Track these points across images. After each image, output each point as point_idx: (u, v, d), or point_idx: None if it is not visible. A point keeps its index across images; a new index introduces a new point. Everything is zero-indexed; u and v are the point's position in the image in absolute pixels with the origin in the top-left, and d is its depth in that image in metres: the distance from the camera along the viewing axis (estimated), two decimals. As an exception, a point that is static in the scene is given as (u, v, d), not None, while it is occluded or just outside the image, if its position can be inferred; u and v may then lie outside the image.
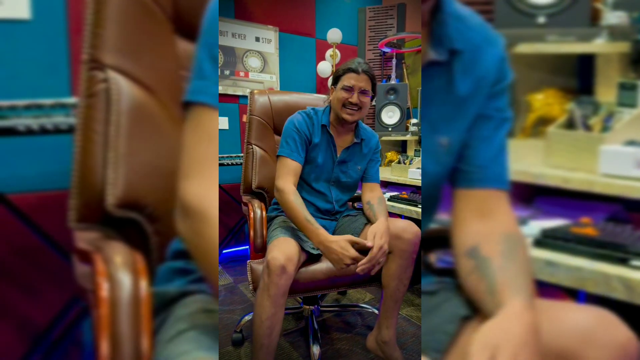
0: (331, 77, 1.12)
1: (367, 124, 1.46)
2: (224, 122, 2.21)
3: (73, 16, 1.12)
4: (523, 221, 0.90)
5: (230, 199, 2.15)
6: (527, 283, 0.46)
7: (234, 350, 1.26)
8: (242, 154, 1.41)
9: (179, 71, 0.66)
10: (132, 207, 0.54)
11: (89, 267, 0.46)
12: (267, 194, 1.34)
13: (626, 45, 0.98)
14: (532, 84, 1.10)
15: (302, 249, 0.99)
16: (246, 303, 1.65)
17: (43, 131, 0.87)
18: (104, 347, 0.37)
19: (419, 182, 1.67)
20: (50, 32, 1.09)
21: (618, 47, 0.99)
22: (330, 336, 1.36)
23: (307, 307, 1.34)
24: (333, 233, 1.15)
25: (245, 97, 2.25)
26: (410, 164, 1.87)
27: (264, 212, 1.12)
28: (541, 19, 1.05)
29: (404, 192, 1.66)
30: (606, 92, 1.01)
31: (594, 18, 1.06)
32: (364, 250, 0.92)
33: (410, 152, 2.16)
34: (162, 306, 0.51)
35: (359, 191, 1.25)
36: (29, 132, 0.86)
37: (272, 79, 2.34)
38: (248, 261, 1.03)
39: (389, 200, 1.63)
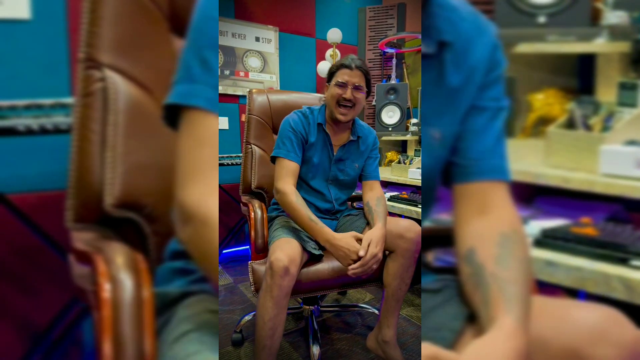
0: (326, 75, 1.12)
1: (367, 123, 1.46)
2: (224, 122, 2.21)
3: (73, 16, 1.12)
4: (523, 221, 0.90)
5: (230, 199, 2.15)
6: (522, 293, 0.44)
7: (233, 350, 1.26)
8: (242, 154, 1.40)
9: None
10: (130, 207, 0.54)
11: (87, 268, 0.46)
12: (266, 194, 1.34)
13: (626, 45, 0.98)
14: (532, 83, 1.09)
15: (304, 249, 0.99)
16: (246, 303, 1.65)
17: (43, 131, 0.87)
18: (107, 349, 0.37)
19: (419, 182, 1.66)
20: (50, 32, 1.09)
21: (618, 46, 0.99)
22: (330, 336, 1.36)
23: (307, 307, 1.34)
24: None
25: (245, 97, 2.25)
26: (410, 163, 1.87)
27: (264, 213, 1.12)
28: (541, 19, 1.05)
29: (404, 192, 1.66)
30: (606, 92, 1.01)
31: (595, 18, 1.06)
32: None
33: (411, 152, 2.16)
34: (164, 307, 0.51)
35: (359, 191, 1.24)
36: (29, 132, 0.86)
37: (272, 79, 2.34)
38: (249, 262, 1.03)
39: (389, 200, 1.63)
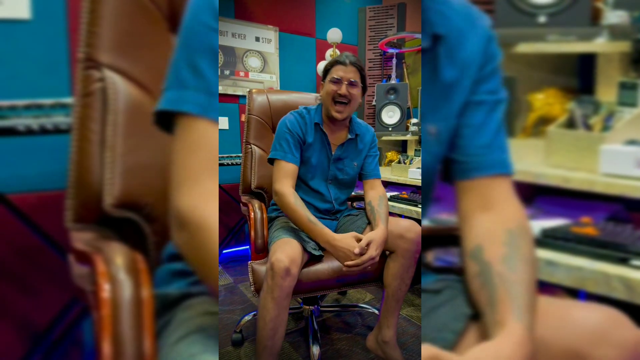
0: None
1: (367, 123, 1.45)
2: (224, 122, 2.21)
3: (73, 16, 1.12)
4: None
5: (230, 199, 2.15)
6: (530, 298, 0.44)
7: (233, 350, 1.26)
8: (242, 154, 1.40)
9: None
10: (129, 207, 0.54)
11: (86, 268, 0.46)
12: (266, 194, 1.34)
13: (627, 44, 0.98)
14: (532, 83, 1.09)
15: (304, 249, 0.99)
16: (246, 303, 1.65)
17: (43, 131, 0.87)
18: (106, 349, 0.36)
19: (419, 182, 1.66)
20: (50, 32, 1.09)
21: (619, 46, 0.99)
22: (330, 336, 1.36)
23: (307, 307, 1.34)
24: (334, 232, 1.15)
25: (245, 97, 2.25)
26: (410, 163, 1.87)
27: (264, 213, 1.12)
28: (542, 19, 1.05)
29: (404, 192, 1.66)
30: (607, 92, 1.01)
31: (595, 17, 1.05)
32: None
33: (411, 152, 2.16)
34: (164, 308, 0.51)
35: (359, 191, 1.24)
36: (29, 132, 0.86)
37: (272, 78, 2.34)
38: (249, 262, 1.02)
39: (389, 200, 1.63)
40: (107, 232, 0.54)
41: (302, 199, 1.09)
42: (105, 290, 0.39)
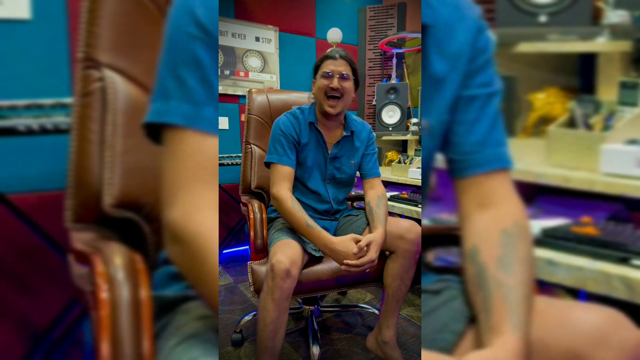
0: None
1: (368, 123, 1.45)
2: (224, 122, 2.22)
3: (73, 16, 1.12)
4: (524, 221, 0.89)
5: (230, 199, 2.15)
6: (525, 304, 0.43)
7: (233, 350, 1.26)
8: (242, 154, 1.40)
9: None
10: (129, 207, 0.54)
11: (86, 268, 0.46)
12: (266, 194, 1.34)
13: (628, 44, 0.98)
14: (533, 83, 1.09)
15: (304, 250, 0.99)
16: (246, 303, 1.65)
17: (43, 131, 0.87)
18: (105, 349, 0.36)
19: (419, 182, 1.66)
20: (50, 32, 1.09)
21: (619, 46, 0.98)
22: (330, 336, 1.36)
23: (307, 307, 1.34)
24: (334, 233, 1.15)
25: (245, 97, 2.24)
26: (410, 163, 1.87)
27: (263, 213, 1.12)
28: (542, 18, 1.04)
29: (404, 192, 1.65)
30: (608, 91, 1.01)
31: (596, 17, 1.05)
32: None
33: (411, 152, 2.16)
34: (162, 311, 0.50)
35: (359, 190, 1.24)
36: (29, 132, 0.86)
37: (272, 78, 2.34)
38: (249, 262, 1.02)
39: (389, 200, 1.63)
40: (107, 232, 0.54)
41: (300, 200, 1.08)
42: (104, 290, 0.39)
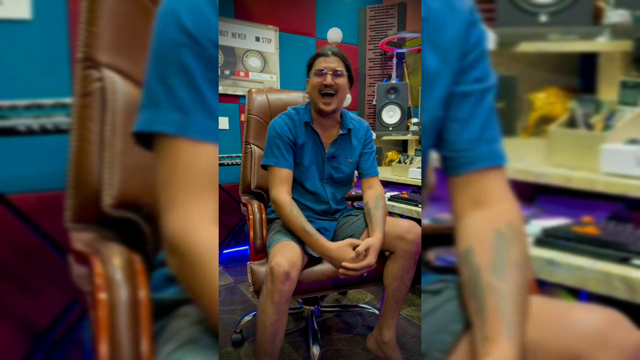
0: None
1: (368, 123, 1.44)
2: (224, 122, 2.22)
3: (73, 16, 1.12)
4: (525, 220, 0.89)
5: (231, 198, 2.15)
6: (520, 313, 0.42)
7: (233, 350, 1.26)
8: (242, 154, 1.40)
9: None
10: (128, 207, 0.54)
11: (85, 269, 0.46)
12: (266, 194, 1.34)
13: (628, 43, 0.97)
14: (534, 82, 1.09)
15: (304, 251, 0.99)
16: (246, 303, 1.64)
17: (43, 131, 0.87)
18: (103, 350, 0.36)
19: (419, 182, 1.66)
20: (50, 32, 1.09)
21: (620, 45, 0.98)
22: (331, 336, 1.36)
23: (308, 307, 1.34)
24: (334, 233, 1.14)
25: (245, 97, 2.24)
26: (410, 163, 1.86)
27: (263, 214, 1.12)
28: (543, 18, 1.04)
29: (404, 192, 1.65)
30: (608, 91, 1.01)
31: (596, 16, 1.05)
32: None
33: (411, 152, 2.16)
34: (158, 314, 0.49)
35: (359, 190, 1.24)
36: (30, 132, 0.86)
37: (272, 78, 2.34)
38: (248, 263, 1.02)
39: (389, 200, 1.63)
40: (107, 233, 0.54)
41: (298, 201, 1.08)
42: (102, 291, 0.38)
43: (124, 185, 0.53)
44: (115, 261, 0.41)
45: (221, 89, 2.16)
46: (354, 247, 0.94)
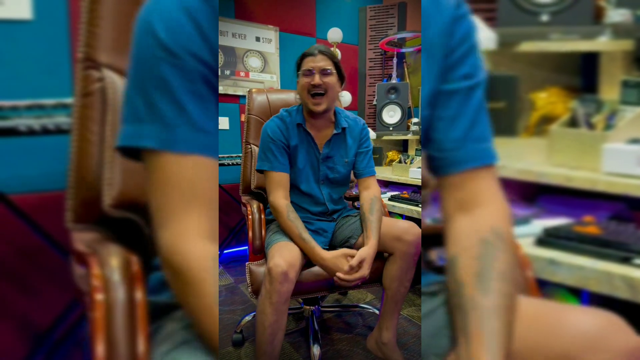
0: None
1: (368, 123, 1.44)
2: (224, 122, 2.22)
3: (74, 16, 1.12)
4: (525, 220, 0.89)
5: (231, 199, 2.15)
6: (504, 333, 0.40)
7: (234, 350, 1.26)
8: (242, 154, 1.40)
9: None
10: (129, 207, 0.54)
11: (84, 269, 0.46)
12: (266, 194, 1.34)
13: (630, 43, 0.97)
14: (535, 82, 1.09)
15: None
16: (247, 303, 1.64)
17: (44, 131, 0.87)
18: (100, 350, 0.36)
19: (419, 182, 1.66)
20: (51, 33, 1.09)
21: (622, 45, 0.98)
22: (331, 337, 1.36)
23: (308, 307, 1.34)
24: (332, 234, 1.14)
25: (245, 97, 2.25)
26: (411, 163, 1.86)
27: (262, 214, 1.11)
28: (544, 17, 1.04)
29: (404, 192, 1.65)
30: (610, 90, 1.00)
31: (598, 16, 1.05)
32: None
33: (411, 152, 2.15)
34: (154, 315, 0.49)
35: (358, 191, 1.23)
36: (31, 132, 0.86)
37: (272, 78, 2.34)
38: (247, 263, 1.02)
39: (389, 200, 1.62)
40: (107, 233, 0.54)
41: (295, 203, 1.07)
42: (99, 292, 0.38)
43: (124, 186, 0.53)
44: (112, 262, 0.41)
45: (221, 89, 2.16)
46: (349, 256, 0.95)
